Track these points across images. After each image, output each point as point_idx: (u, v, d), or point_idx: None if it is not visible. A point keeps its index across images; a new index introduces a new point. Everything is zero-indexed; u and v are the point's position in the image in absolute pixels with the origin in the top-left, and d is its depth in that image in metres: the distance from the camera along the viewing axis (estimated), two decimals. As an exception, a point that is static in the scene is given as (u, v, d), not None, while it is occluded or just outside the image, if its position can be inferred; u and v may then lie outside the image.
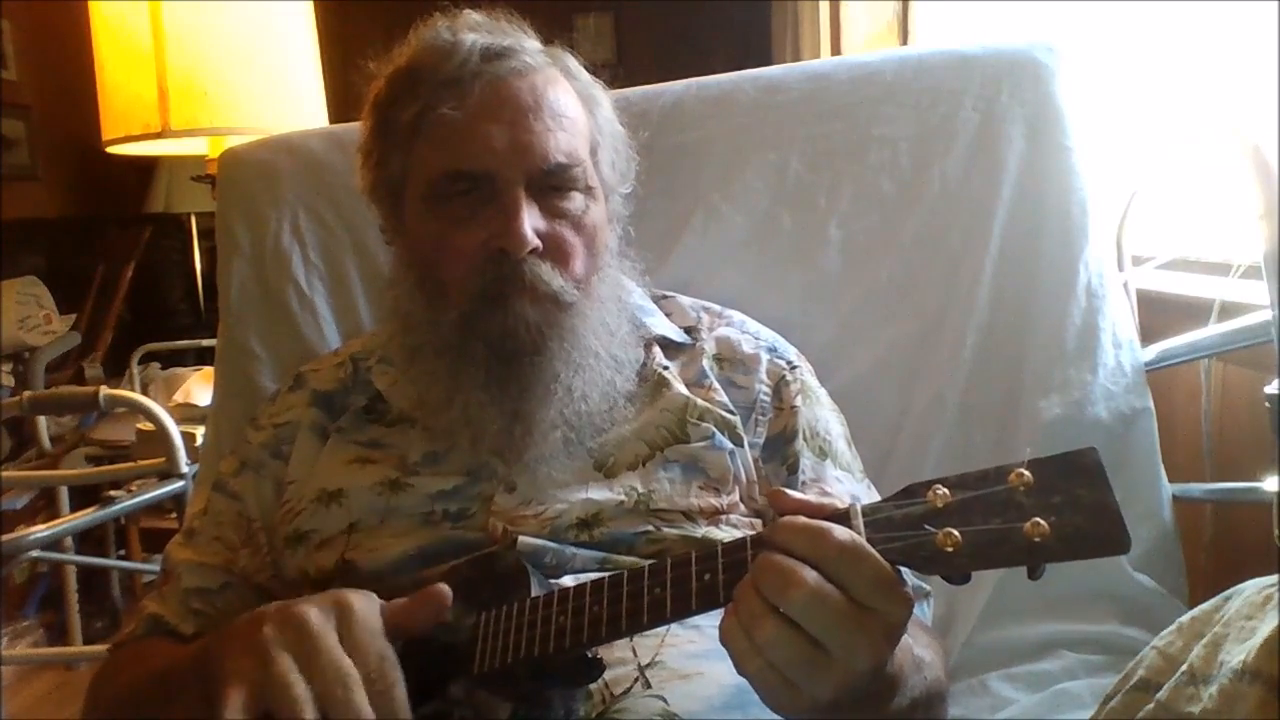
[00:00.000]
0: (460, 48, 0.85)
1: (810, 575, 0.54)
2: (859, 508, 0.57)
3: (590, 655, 0.68)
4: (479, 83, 0.84)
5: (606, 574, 0.66)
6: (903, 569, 0.56)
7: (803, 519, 0.57)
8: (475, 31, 0.87)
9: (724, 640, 0.57)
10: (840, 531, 0.55)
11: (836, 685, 0.54)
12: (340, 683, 0.61)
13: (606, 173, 0.92)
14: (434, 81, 0.84)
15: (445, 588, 0.69)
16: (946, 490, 0.54)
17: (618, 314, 0.90)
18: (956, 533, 0.53)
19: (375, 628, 0.65)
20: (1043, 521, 0.51)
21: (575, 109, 0.88)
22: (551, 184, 0.85)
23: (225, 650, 0.65)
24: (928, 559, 0.54)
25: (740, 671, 0.57)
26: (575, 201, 0.86)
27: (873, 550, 0.54)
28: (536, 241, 0.82)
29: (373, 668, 0.63)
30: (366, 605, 0.66)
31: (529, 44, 0.88)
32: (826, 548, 0.55)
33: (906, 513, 0.55)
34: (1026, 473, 0.52)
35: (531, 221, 0.82)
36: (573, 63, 0.92)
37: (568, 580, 0.75)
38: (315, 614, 0.64)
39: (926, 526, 0.54)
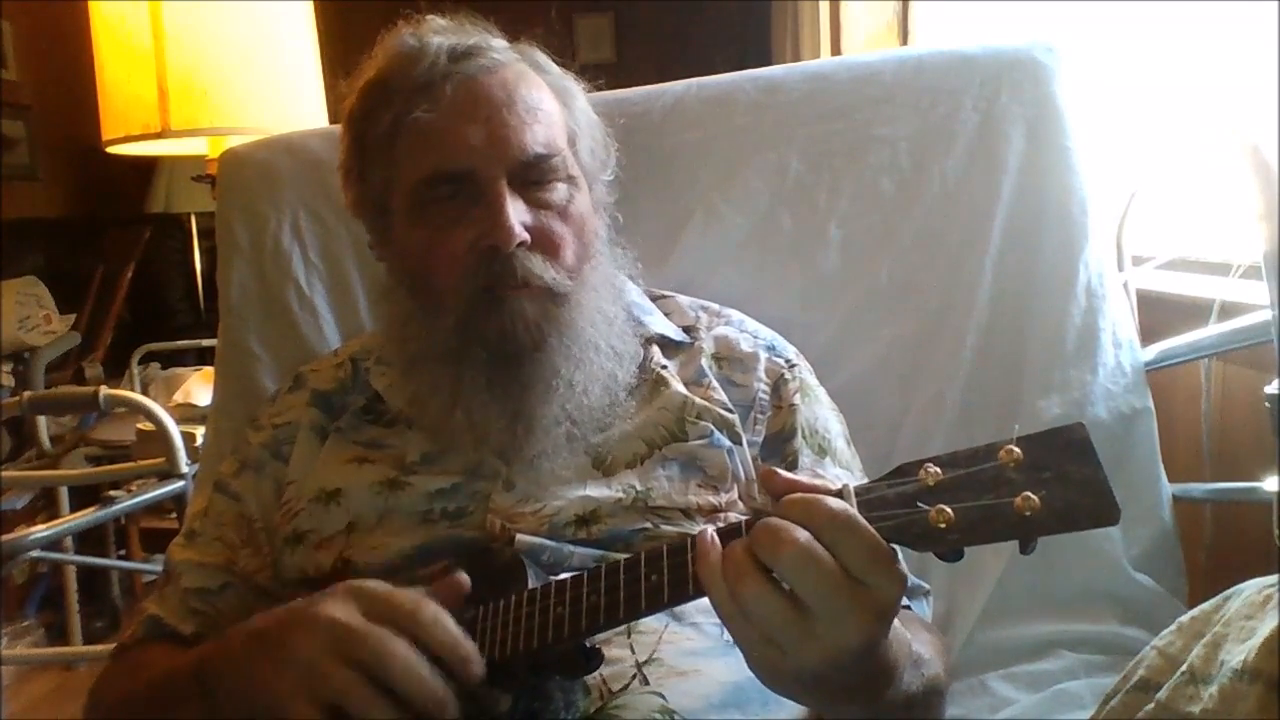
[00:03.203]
0: (427, 51, 0.85)
1: (801, 535, 0.54)
2: (851, 487, 0.58)
3: (589, 645, 0.68)
4: (450, 83, 0.84)
5: (603, 564, 0.67)
6: (899, 553, 0.56)
7: (800, 494, 0.57)
8: (440, 34, 0.87)
9: (708, 590, 0.57)
10: (834, 501, 0.56)
11: (822, 656, 0.54)
12: (394, 659, 0.63)
13: (587, 160, 0.92)
14: (405, 88, 0.84)
15: (465, 577, 0.71)
16: (938, 468, 0.55)
17: (613, 302, 0.90)
18: (949, 509, 0.53)
19: (393, 590, 0.67)
20: (1033, 496, 0.51)
21: (549, 101, 0.88)
22: (533, 176, 0.85)
23: (255, 671, 0.66)
24: (921, 536, 0.54)
25: (730, 632, 0.57)
26: (559, 192, 0.86)
27: (866, 523, 0.55)
28: (524, 235, 0.82)
29: (409, 617, 0.65)
30: (374, 581, 0.68)
31: (495, 41, 0.89)
32: (819, 515, 0.55)
33: (899, 491, 0.56)
34: (1016, 449, 0.53)
35: (517, 215, 0.82)
36: (541, 57, 0.92)
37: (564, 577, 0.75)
38: (339, 608, 0.65)
39: (919, 504, 0.54)
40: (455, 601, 0.70)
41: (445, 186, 0.84)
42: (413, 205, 0.86)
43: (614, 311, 0.90)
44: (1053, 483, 0.52)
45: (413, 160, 0.85)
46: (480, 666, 0.65)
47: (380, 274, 1.16)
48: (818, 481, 0.60)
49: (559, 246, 0.85)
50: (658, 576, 0.62)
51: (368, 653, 0.63)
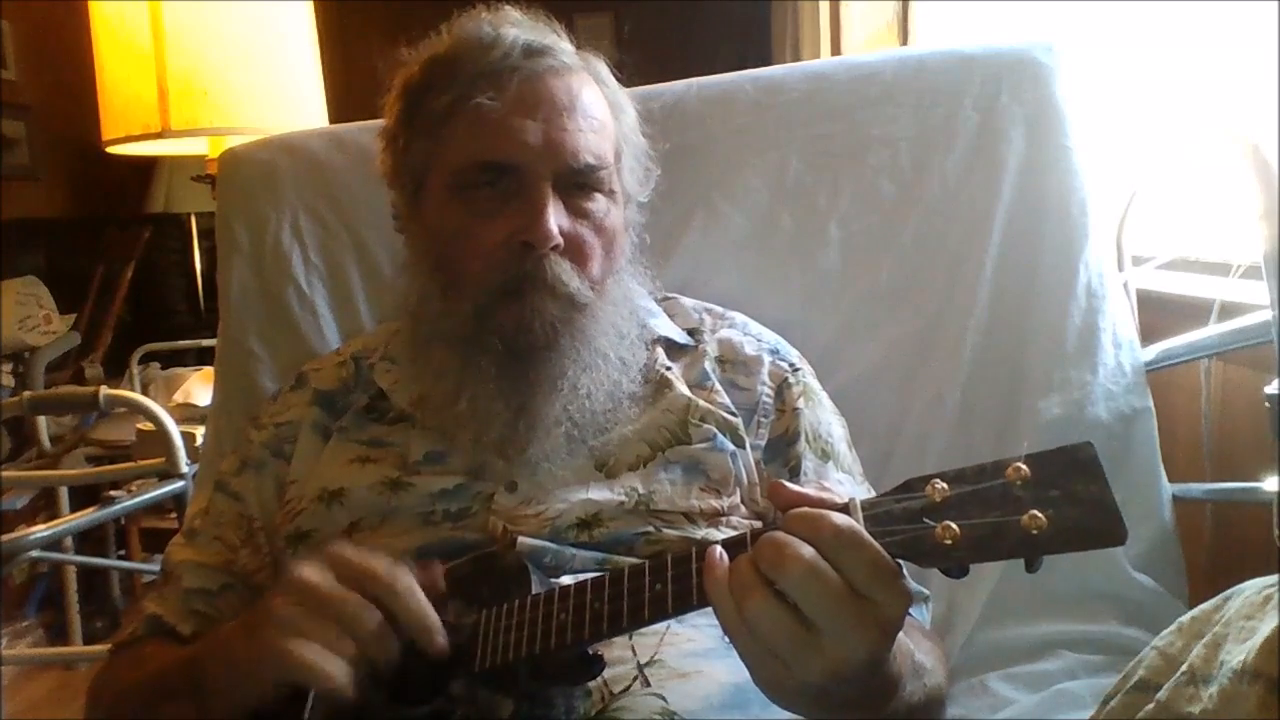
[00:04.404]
0: (502, 41, 0.86)
1: (807, 551, 0.55)
2: (858, 502, 0.57)
3: (591, 652, 0.68)
4: (517, 77, 0.85)
5: (607, 571, 0.67)
6: (903, 565, 0.56)
7: (806, 509, 0.57)
8: (516, 27, 0.88)
9: (714, 605, 0.57)
10: (839, 517, 0.56)
11: (825, 670, 0.54)
12: (351, 608, 0.66)
13: (627, 179, 0.93)
14: (473, 72, 0.85)
15: (439, 570, 0.74)
16: (945, 484, 0.55)
17: (628, 318, 0.91)
18: (955, 526, 0.53)
19: (365, 554, 0.70)
20: (1040, 514, 0.51)
21: (604, 113, 0.89)
22: (577, 183, 0.86)
23: (238, 648, 0.70)
24: (926, 552, 0.54)
25: (734, 645, 0.57)
26: (598, 203, 0.87)
27: (871, 539, 0.55)
28: (559, 238, 0.83)
29: (383, 584, 0.68)
30: (350, 547, 0.71)
31: (565, 45, 0.90)
32: (824, 531, 0.55)
33: (905, 506, 0.56)
34: (1024, 467, 0.53)
35: (556, 218, 0.83)
36: (603, 69, 0.93)
37: (567, 580, 0.75)
38: (312, 570, 0.69)
39: (925, 520, 0.54)
40: (430, 585, 0.72)
41: (490, 175, 0.85)
42: (453, 186, 0.87)
43: (627, 327, 0.90)
44: (1060, 502, 0.52)
45: (465, 143, 0.86)
46: (443, 639, 0.68)
47: (384, 267, 1.17)
48: (824, 495, 0.60)
49: (588, 257, 0.86)
50: (662, 586, 0.62)
51: (334, 612, 0.66)
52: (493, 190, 0.85)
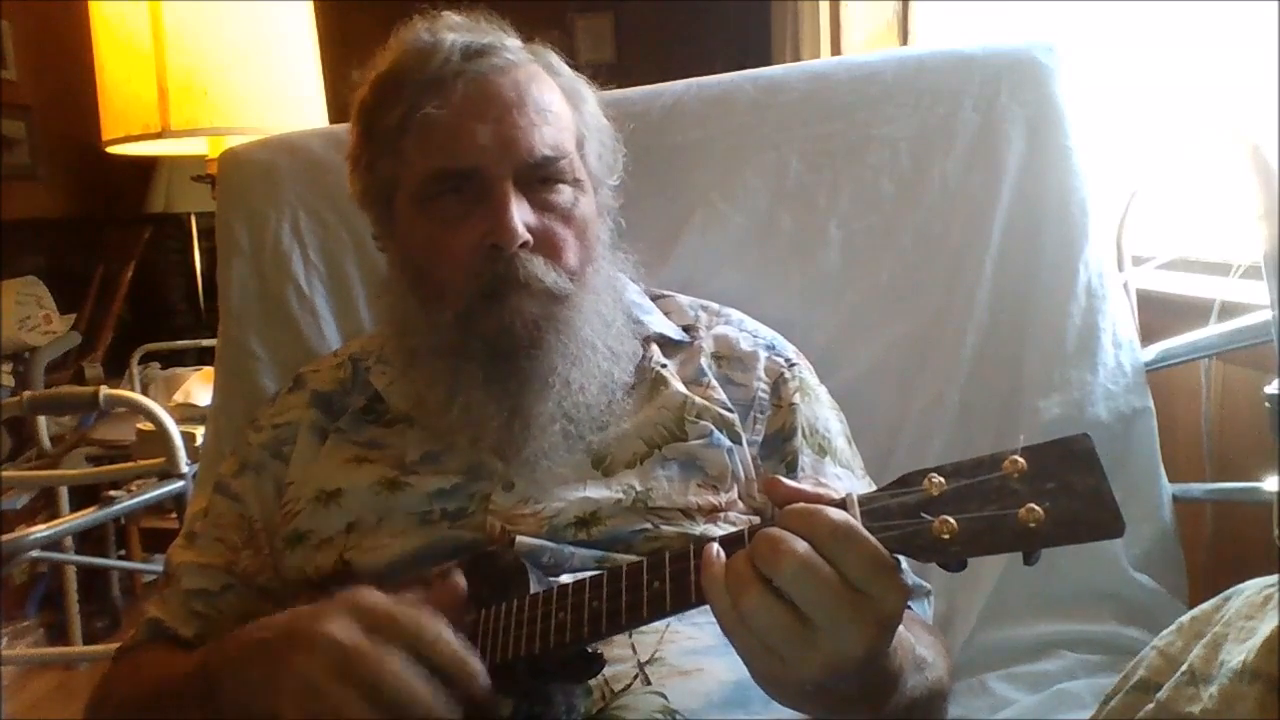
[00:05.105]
0: (441, 47, 0.85)
1: (801, 546, 0.54)
2: (855, 497, 0.57)
3: (590, 651, 0.68)
4: (461, 81, 0.84)
5: (605, 570, 0.67)
6: (901, 560, 0.56)
7: (802, 504, 0.57)
8: (455, 31, 0.87)
9: (711, 602, 0.57)
10: (834, 512, 0.55)
11: (823, 666, 0.54)
12: (393, 678, 0.61)
13: (594, 165, 0.92)
14: (417, 83, 0.85)
15: (462, 580, 0.69)
16: (942, 478, 0.54)
17: (613, 305, 0.91)
18: (952, 520, 0.53)
19: (394, 606, 0.64)
20: (1037, 507, 0.51)
21: (559, 103, 0.89)
22: (539, 177, 0.85)
23: (256, 683, 0.65)
24: (924, 547, 0.54)
25: (732, 642, 0.57)
26: (564, 194, 0.87)
27: (867, 533, 0.55)
28: (526, 235, 0.83)
29: (412, 634, 0.62)
30: (374, 594, 0.65)
31: (509, 41, 0.89)
32: (819, 525, 0.55)
33: (902, 501, 0.55)
34: (1020, 460, 0.53)
35: (521, 215, 0.83)
36: (554, 59, 0.92)
37: (566, 579, 0.75)
38: (339, 627, 0.63)
39: (923, 515, 0.54)
40: (454, 605, 0.69)
41: (451, 182, 0.84)
42: (417, 199, 0.87)
43: (613, 315, 0.90)
44: (1057, 494, 0.51)
45: (420, 155, 0.85)
46: (486, 681, 0.63)
47: (383, 267, 1.17)
48: (821, 490, 0.60)
49: (561, 249, 0.86)
50: (660, 584, 0.62)
51: (367, 672, 0.61)
52: (457, 197, 0.85)
